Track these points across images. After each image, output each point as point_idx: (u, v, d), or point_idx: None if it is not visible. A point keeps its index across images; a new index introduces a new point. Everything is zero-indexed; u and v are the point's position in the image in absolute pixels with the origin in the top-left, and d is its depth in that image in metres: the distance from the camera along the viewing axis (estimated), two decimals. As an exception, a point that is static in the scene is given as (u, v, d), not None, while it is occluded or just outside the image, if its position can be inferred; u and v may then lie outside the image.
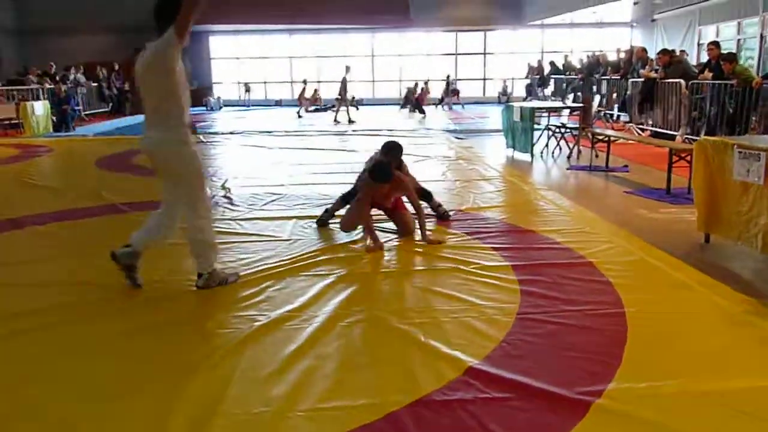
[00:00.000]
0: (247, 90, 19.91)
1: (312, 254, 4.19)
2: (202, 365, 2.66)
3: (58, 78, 16.49)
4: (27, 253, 4.49)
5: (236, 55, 23.71)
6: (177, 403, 2.35)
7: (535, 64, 20.00)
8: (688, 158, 5.80)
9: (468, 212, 5.40)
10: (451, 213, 5.19)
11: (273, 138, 12.08)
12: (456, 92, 20.56)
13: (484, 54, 23.43)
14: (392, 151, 4.86)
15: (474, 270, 3.82)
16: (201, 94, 21.74)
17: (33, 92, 14.98)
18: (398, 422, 2.22)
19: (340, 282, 3.66)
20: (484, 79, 23.61)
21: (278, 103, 21.86)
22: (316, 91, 19.97)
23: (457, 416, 2.26)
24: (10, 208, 5.94)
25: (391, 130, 12.82)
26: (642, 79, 11.21)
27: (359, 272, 3.85)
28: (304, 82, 18.88)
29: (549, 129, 9.31)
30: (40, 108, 13.74)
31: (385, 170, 4.42)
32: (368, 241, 4.36)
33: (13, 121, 13.76)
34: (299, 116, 17.40)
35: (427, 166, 8.15)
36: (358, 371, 2.60)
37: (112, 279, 3.61)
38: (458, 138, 11.50)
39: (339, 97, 15.59)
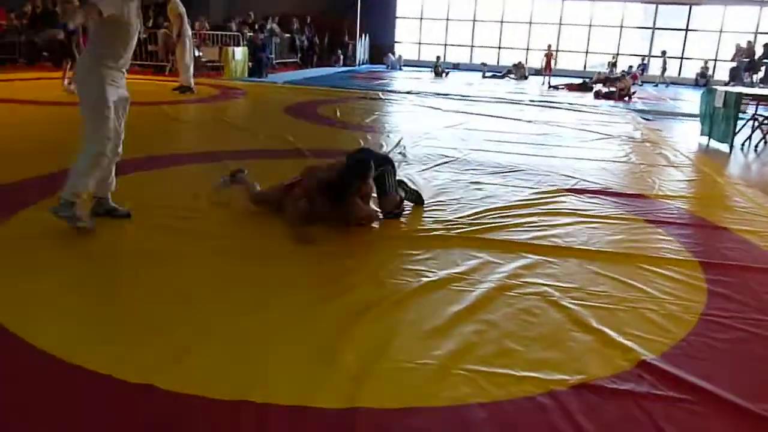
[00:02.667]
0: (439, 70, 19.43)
1: (480, 215, 4.18)
2: (371, 311, 2.78)
3: (256, 27, 17.73)
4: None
5: (420, 16, 23.89)
6: (346, 343, 2.49)
7: (745, 45, 17.86)
8: None
9: (650, 198, 5.04)
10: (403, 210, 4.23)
11: (449, 101, 12.08)
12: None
13: (686, 30, 21.37)
14: (356, 171, 3.85)
15: (655, 260, 3.57)
16: (381, 53, 22.30)
17: (234, 38, 16.28)
18: (562, 400, 2.17)
19: (512, 251, 3.61)
20: (682, 58, 21.59)
21: (456, 67, 21.72)
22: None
23: (625, 408, 2.16)
24: (209, 142, 6.58)
25: (571, 104, 12.25)
26: None
27: (532, 245, 3.75)
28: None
29: (755, 119, 8.32)
30: (239, 54, 14.90)
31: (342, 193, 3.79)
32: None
33: (215, 64, 15.13)
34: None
35: (607, 145, 7.70)
36: (522, 343, 2.56)
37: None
38: (646, 119, 10.69)
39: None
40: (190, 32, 11.02)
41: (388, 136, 7.39)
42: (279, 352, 2.41)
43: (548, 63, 18.04)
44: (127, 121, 3.81)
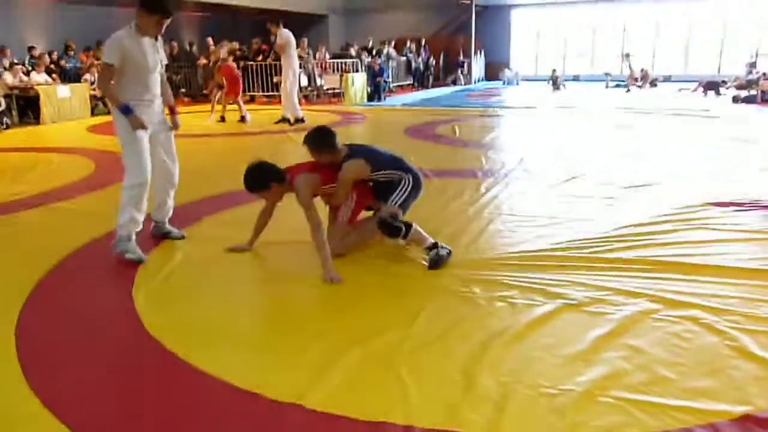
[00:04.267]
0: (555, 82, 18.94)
1: (615, 233, 3.97)
2: (505, 333, 2.72)
3: (374, 52, 18.24)
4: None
5: (536, 30, 23.45)
6: (483, 366, 2.44)
7: None
8: None
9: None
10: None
11: (571, 114, 11.71)
12: None
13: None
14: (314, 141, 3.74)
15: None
16: (497, 69, 22.10)
17: (353, 65, 16.83)
18: (725, 434, 2.00)
19: (654, 270, 3.40)
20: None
21: (576, 78, 21.05)
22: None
23: (803, 445, 1.94)
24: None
25: (707, 111, 11.44)
26: None
27: (677, 264, 3.51)
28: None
29: None
30: (359, 79, 15.38)
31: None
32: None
33: (336, 91, 15.71)
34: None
35: (748, 151, 7.09)
36: (675, 370, 2.38)
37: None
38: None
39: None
40: (295, 62, 10.69)
41: (509, 153, 7.28)
42: (416, 374, 2.41)
43: None
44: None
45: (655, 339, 2.63)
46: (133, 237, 3.82)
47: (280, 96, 11.43)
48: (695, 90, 15.36)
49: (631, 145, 7.79)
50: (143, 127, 3.73)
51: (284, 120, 10.71)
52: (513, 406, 2.17)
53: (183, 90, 16.38)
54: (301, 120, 10.61)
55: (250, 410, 2.20)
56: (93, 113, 12.54)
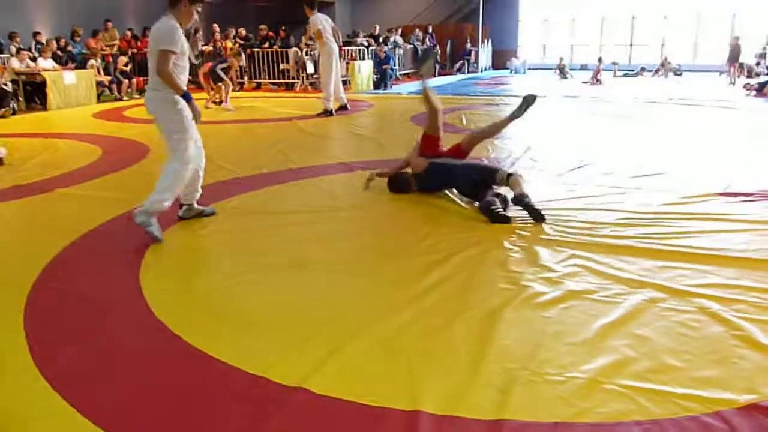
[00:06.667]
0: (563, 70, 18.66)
1: (622, 222, 3.96)
2: (516, 319, 2.73)
3: (381, 40, 18.14)
4: (355, 189, 5.08)
5: (544, 18, 23.30)
6: (488, 352, 2.45)
7: None
8: None
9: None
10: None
11: (577, 102, 11.64)
12: None
13: None
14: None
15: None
16: (505, 58, 21.98)
17: (360, 52, 16.76)
18: (731, 422, 1.99)
19: (660, 258, 3.39)
20: None
21: (584, 68, 20.92)
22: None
23: (808, 433, 1.94)
24: (342, 153, 6.81)
25: (719, 100, 11.36)
26: None
27: (684, 253, 3.49)
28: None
29: None
30: (365, 67, 15.31)
31: None
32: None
33: (342, 78, 15.62)
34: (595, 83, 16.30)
35: (760, 142, 7.05)
36: (681, 358, 2.38)
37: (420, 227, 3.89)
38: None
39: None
40: (334, 48, 9.94)
41: (516, 142, 7.25)
42: (422, 359, 2.42)
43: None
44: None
45: (662, 328, 2.62)
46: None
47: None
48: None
49: (641, 134, 7.75)
50: (199, 115, 3.99)
51: (326, 113, 10.03)
52: (518, 393, 2.17)
53: (189, 77, 16.33)
54: (329, 113, 10.03)
55: (256, 394, 2.21)
56: (99, 99, 12.56)
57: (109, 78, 13.21)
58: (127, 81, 13.35)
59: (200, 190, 4.34)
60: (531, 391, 2.19)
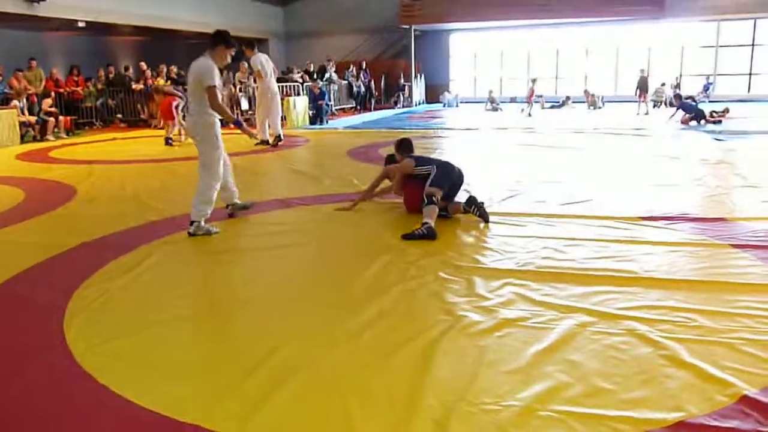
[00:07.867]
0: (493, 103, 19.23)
1: (551, 249, 4.08)
2: (447, 351, 2.74)
3: (315, 76, 18.27)
4: (296, 225, 5.04)
5: (474, 53, 24.07)
6: (425, 383, 2.45)
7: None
8: None
9: (732, 222, 4.80)
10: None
11: (508, 133, 12.02)
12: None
13: (752, 46, 20.70)
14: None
15: (745, 287, 3.39)
16: (438, 92, 22.52)
17: (294, 88, 16.81)
18: (661, 442, 2.05)
19: (589, 284, 3.50)
20: (750, 74, 20.86)
21: (512, 100, 21.66)
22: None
23: (732, 448, 2.02)
24: (279, 189, 6.76)
25: (638, 129, 11.95)
26: None
27: (610, 277, 3.62)
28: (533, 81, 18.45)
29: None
30: (300, 103, 15.35)
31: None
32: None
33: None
34: (529, 115, 16.87)
35: (677, 167, 7.45)
36: (612, 381, 2.44)
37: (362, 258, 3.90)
38: (718, 140, 10.30)
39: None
40: (274, 89, 10.96)
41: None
42: (359, 397, 2.38)
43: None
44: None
45: (592, 351, 2.69)
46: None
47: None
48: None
49: (568, 163, 8.05)
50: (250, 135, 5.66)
51: (264, 142, 10.72)
52: (455, 425, 2.17)
53: (119, 115, 15.85)
54: (266, 142, 10.74)
55: (188, 443, 2.12)
56: (22, 140, 12.06)
57: (34, 118, 12.73)
58: (53, 120, 12.91)
59: (234, 190, 5.24)
60: (468, 422, 2.19)
